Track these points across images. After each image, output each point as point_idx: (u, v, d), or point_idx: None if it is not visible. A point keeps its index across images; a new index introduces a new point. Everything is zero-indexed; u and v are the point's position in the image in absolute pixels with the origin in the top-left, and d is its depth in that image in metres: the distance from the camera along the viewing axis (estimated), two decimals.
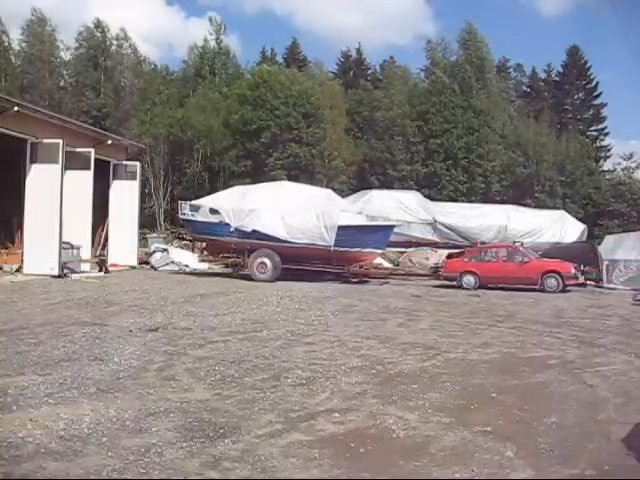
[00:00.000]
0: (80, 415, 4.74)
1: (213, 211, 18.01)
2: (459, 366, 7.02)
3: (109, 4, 62.36)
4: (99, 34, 42.63)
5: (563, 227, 26.27)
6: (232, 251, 17.59)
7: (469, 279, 16.92)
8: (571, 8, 69.08)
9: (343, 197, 31.59)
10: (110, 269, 18.04)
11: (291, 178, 37.31)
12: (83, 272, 16.83)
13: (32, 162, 16.03)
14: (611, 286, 18.61)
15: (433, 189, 37.68)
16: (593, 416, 5.24)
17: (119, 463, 3.90)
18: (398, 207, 26.35)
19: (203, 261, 19.73)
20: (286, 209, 17.10)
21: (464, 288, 16.64)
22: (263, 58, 49.10)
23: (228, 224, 17.22)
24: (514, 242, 20.22)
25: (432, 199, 30.61)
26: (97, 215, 18.64)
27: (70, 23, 78.85)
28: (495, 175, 40.36)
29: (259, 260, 16.90)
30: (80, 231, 16.98)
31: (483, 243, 24.69)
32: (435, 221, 26.44)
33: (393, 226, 18.56)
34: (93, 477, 3.72)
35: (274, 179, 37.04)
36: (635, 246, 19.32)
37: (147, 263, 20.46)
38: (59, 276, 15.45)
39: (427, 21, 75.47)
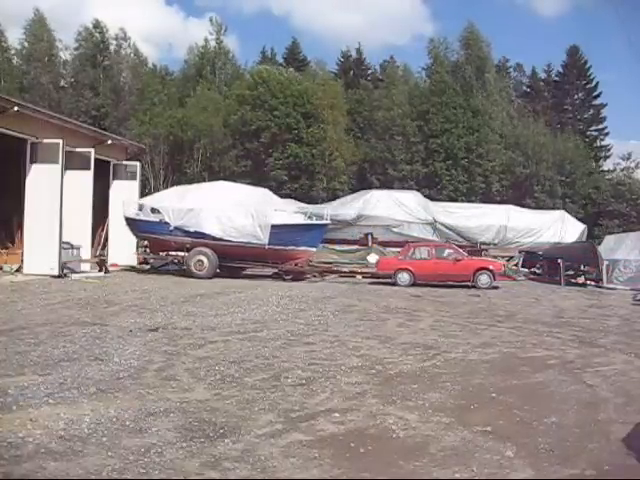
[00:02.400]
0: (80, 415, 4.74)
1: (154, 210, 18.39)
2: (459, 366, 7.02)
3: (109, 4, 62.40)
4: (97, 34, 42.61)
5: (563, 227, 26.28)
6: (173, 249, 18.10)
7: (404, 276, 17.25)
8: (571, 8, 69.26)
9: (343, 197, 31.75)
10: (110, 269, 18.04)
11: (291, 178, 37.41)
12: (83, 272, 16.82)
13: (32, 162, 16.02)
14: (611, 286, 18.63)
15: (433, 189, 37.68)
16: (593, 416, 5.25)
17: (119, 463, 3.90)
18: (398, 207, 26.36)
19: (145, 259, 20.05)
20: (222, 208, 17.74)
21: (398, 285, 16.99)
22: (263, 58, 49.12)
23: (168, 223, 17.72)
24: (446, 240, 20.71)
25: (432, 199, 30.60)
26: (97, 215, 18.63)
27: (70, 23, 78.94)
28: (495, 175, 40.38)
29: (196, 258, 17.40)
30: (80, 231, 16.97)
31: (483, 243, 24.74)
32: (435, 221, 26.43)
33: (326, 225, 19.19)
34: (93, 477, 3.72)
35: (274, 179, 37.16)
36: (635, 246, 19.34)
37: (147, 263, 20.47)
38: (59, 276, 15.44)
39: (425, 21, 75.69)
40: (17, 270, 15.83)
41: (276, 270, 18.38)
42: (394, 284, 17.13)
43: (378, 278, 18.04)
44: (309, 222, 18.64)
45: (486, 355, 7.69)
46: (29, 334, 7.88)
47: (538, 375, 6.70)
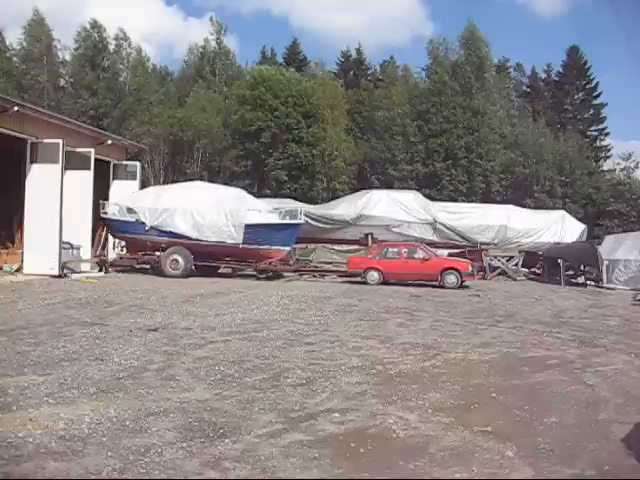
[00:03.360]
0: (80, 415, 4.74)
1: (130, 210, 18.48)
2: (459, 366, 7.02)
3: (108, 4, 62.30)
4: (96, 34, 42.58)
5: (563, 227, 26.26)
6: (149, 249, 18.20)
7: (373, 275, 17.56)
8: (571, 8, 69.20)
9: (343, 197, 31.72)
10: (110, 269, 18.03)
11: (291, 178, 37.39)
12: (83, 272, 16.83)
13: (32, 162, 16.04)
14: (611, 286, 18.63)
15: (433, 189, 37.65)
16: (593, 416, 5.25)
17: (119, 463, 3.90)
18: (398, 207, 26.35)
19: (121, 259, 19.91)
20: (197, 208, 17.98)
21: (368, 284, 17.26)
22: (263, 58, 49.10)
23: (144, 223, 17.88)
24: (415, 241, 20.87)
25: (432, 199, 30.57)
26: (97, 215, 18.65)
27: (70, 23, 78.92)
28: (495, 175, 40.36)
29: (171, 257, 17.66)
30: (80, 231, 16.99)
31: (483, 243, 24.73)
32: (435, 221, 26.42)
33: (300, 224, 19.38)
34: (93, 477, 3.72)
35: (274, 179, 37.17)
36: (635, 246, 19.34)
37: (147, 263, 20.45)
38: (59, 276, 15.46)
39: (425, 21, 75.63)
40: (17, 270, 15.84)
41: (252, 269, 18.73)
42: (364, 282, 17.40)
43: (349, 276, 18.37)
44: (283, 222, 18.82)
45: (486, 355, 7.69)
46: (29, 334, 7.88)
47: (538, 375, 6.70)
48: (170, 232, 17.80)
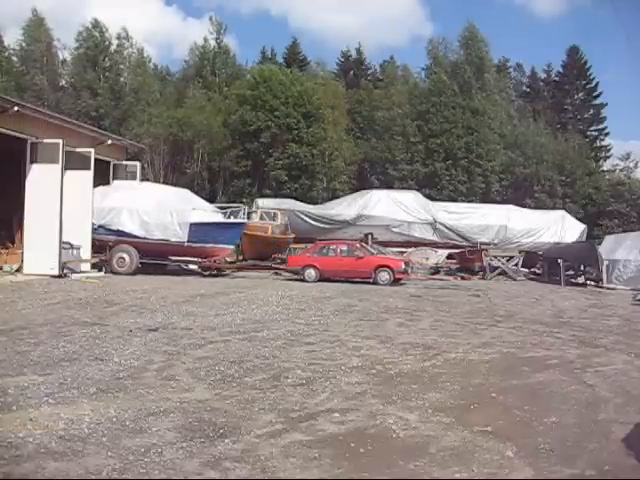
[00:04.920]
0: (80, 415, 4.74)
1: None
2: (459, 366, 7.02)
3: (108, 4, 62.24)
4: (97, 34, 42.57)
5: (563, 227, 26.31)
6: (97, 247, 18.30)
7: (310, 272, 17.82)
8: (571, 8, 69.23)
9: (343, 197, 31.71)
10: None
11: (291, 178, 37.39)
12: (83, 272, 16.81)
13: (32, 162, 16.02)
14: (611, 286, 18.63)
15: (433, 189, 37.68)
16: (593, 416, 5.25)
17: (119, 463, 3.90)
18: (398, 207, 26.38)
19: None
20: (143, 207, 18.31)
21: (306, 281, 17.52)
22: (263, 58, 49.10)
23: (93, 222, 17.97)
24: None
25: (432, 199, 30.62)
26: None
27: (70, 23, 78.87)
28: (495, 175, 40.38)
29: (118, 255, 17.89)
30: (80, 231, 16.96)
31: (483, 243, 24.74)
32: (435, 221, 26.44)
33: (243, 223, 20.09)
34: (93, 477, 3.72)
35: (274, 179, 37.16)
36: (635, 246, 19.34)
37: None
38: (59, 276, 15.44)
39: (424, 22, 75.67)
40: (17, 270, 15.82)
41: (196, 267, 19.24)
42: (302, 280, 17.61)
43: (289, 273, 18.76)
44: (227, 221, 19.36)
45: (486, 355, 7.69)
46: (29, 334, 7.88)
47: (538, 375, 6.69)
48: (117, 231, 18.09)
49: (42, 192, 15.66)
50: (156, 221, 18.10)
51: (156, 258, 18.49)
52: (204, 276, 18.76)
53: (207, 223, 18.30)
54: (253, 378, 6.12)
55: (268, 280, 18.12)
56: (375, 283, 17.20)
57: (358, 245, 19.06)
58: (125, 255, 17.77)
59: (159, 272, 18.41)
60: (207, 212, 19.36)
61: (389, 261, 18.35)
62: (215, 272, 19.46)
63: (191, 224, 17.87)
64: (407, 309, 12.17)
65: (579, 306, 13.94)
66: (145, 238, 17.98)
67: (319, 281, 17.42)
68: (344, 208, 27.10)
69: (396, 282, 17.53)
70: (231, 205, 21.80)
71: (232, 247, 19.86)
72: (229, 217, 19.75)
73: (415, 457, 4.20)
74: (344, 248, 18.50)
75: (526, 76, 52.42)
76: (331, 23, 71.33)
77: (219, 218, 19.43)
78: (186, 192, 21.06)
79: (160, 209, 18.28)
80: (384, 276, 17.42)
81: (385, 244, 24.00)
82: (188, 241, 17.87)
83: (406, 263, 18.41)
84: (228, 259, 20.70)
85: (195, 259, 18.96)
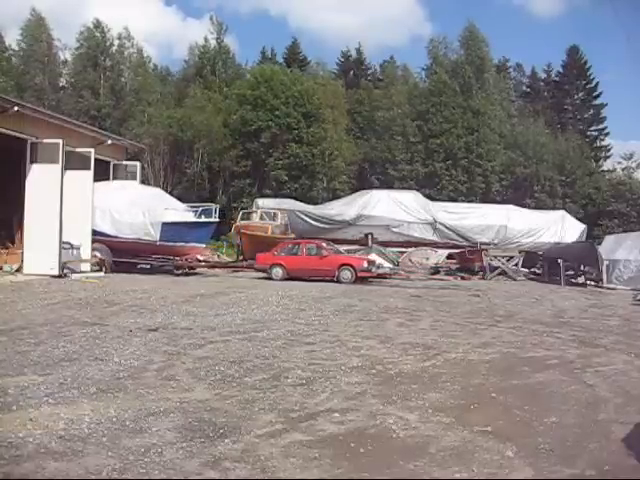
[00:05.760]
0: (80, 415, 4.75)
1: None
2: (459, 366, 7.02)
3: (108, 4, 62.20)
4: (99, 34, 42.57)
5: (563, 227, 26.32)
6: None
7: (277, 270, 18.12)
8: (571, 8, 69.26)
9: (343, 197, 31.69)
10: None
11: (291, 178, 37.38)
12: (83, 272, 16.81)
13: (32, 162, 16.03)
14: (611, 286, 18.62)
15: (433, 189, 37.68)
16: (593, 416, 5.25)
17: (119, 463, 3.91)
18: (398, 207, 26.38)
19: None
20: (115, 207, 18.50)
21: (272, 279, 17.78)
22: (263, 58, 49.10)
23: None
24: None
25: (432, 199, 30.63)
26: None
27: (70, 23, 78.79)
28: (495, 175, 40.38)
29: (92, 254, 17.93)
30: (80, 231, 16.97)
31: (483, 243, 24.74)
32: (435, 221, 26.44)
33: (215, 222, 20.30)
34: (93, 477, 3.72)
35: (274, 179, 37.14)
36: (635, 246, 19.34)
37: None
38: (59, 276, 15.45)
39: (424, 22, 75.67)
40: (17, 270, 15.83)
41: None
42: (270, 278, 17.85)
43: (257, 271, 18.94)
44: (198, 220, 19.64)
45: (486, 355, 7.69)
46: (29, 334, 7.88)
47: (538, 375, 6.69)
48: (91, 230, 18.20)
49: (42, 192, 15.67)
50: (128, 220, 18.30)
51: (128, 257, 18.64)
52: (177, 275, 18.77)
53: (179, 222, 18.56)
54: (253, 378, 6.12)
55: (268, 280, 18.11)
56: (338, 281, 17.34)
57: (324, 244, 19.39)
58: (98, 254, 17.78)
59: (133, 271, 18.53)
60: (179, 212, 19.54)
61: (351, 260, 18.68)
62: (187, 271, 19.61)
63: (163, 223, 18.08)
64: (407, 309, 12.17)
65: (579, 306, 13.94)
66: (117, 237, 18.15)
67: (285, 280, 17.54)
68: (344, 208, 27.10)
69: (360, 281, 17.59)
70: (203, 204, 21.94)
71: (203, 246, 20.23)
72: (200, 216, 19.91)
73: (415, 457, 4.20)
74: (310, 247, 18.78)
75: (526, 76, 52.50)
76: (331, 23, 71.47)
77: (190, 217, 19.61)
78: (158, 191, 21.35)
79: (133, 208, 18.47)
80: (346, 274, 17.62)
81: (385, 244, 24.02)
82: (160, 240, 18.07)
83: (369, 262, 18.60)
84: (200, 257, 20.90)
85: (168, 257, 19.14)
